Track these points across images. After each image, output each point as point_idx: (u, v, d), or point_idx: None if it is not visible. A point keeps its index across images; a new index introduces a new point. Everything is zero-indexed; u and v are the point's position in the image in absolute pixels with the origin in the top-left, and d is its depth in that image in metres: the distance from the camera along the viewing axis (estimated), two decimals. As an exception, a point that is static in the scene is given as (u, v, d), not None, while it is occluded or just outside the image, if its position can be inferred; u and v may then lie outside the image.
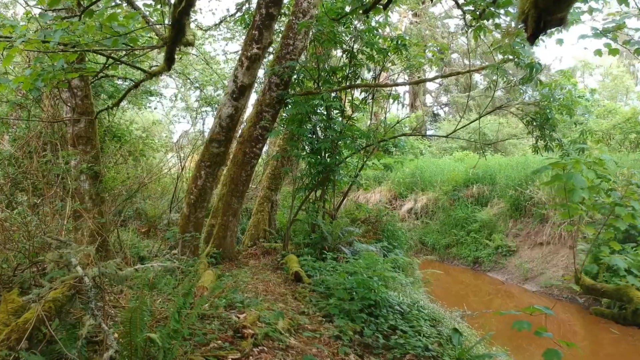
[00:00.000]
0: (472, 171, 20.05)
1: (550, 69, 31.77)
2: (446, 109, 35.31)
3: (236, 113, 8.93)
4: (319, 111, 10.30)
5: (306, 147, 10.49)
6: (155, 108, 17.73)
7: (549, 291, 14.56)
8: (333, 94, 10.24)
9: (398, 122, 11.11)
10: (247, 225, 12.54)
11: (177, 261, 8.43)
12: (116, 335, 3.89)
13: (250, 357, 4.76)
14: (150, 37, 8.96)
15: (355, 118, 10.76)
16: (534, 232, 17.03)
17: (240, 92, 8.86)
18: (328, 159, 10.12)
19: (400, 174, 21.46)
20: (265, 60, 10.58)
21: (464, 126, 10.17)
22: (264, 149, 11.87)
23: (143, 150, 13.43)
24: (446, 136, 10.49)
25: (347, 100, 10.62)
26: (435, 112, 35.60)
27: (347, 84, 10.12)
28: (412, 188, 21.74)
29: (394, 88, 10.89)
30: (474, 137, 27.65)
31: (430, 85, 35.29)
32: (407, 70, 10.80)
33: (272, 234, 12.03)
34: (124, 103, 17.10)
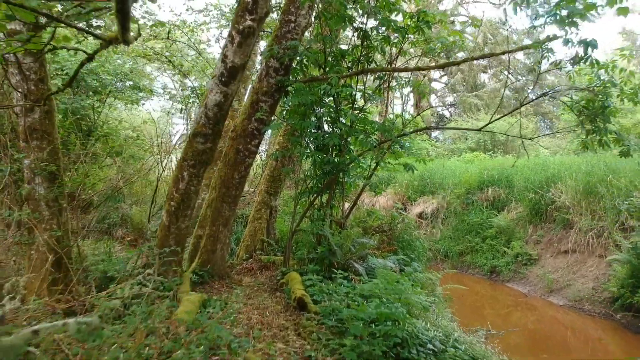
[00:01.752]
0: (487, 173, 18.29)
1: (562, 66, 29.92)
2: (452, 109, 33.49)
3: (225, 101, 7.12)
4: (325, 102, 8.55)
5: (310, 144, 8.70)
6: (143, 104, 15.91)
7: (578, 305, 12.76)
8: (342, 82, 8.46)
9: (419, 114, 9.30)
10: (242, 235, 10.72)
11: (150, 284, 6.64)
12: None
13: None
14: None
15: (367, 110, 8.95)
16: (556, 239, 15.23)
17: (230, 75, 7.04)
18: (336, 158, 8.35)
19: (409, 176, 19.62)
20: (262, 42, 8.75)
21: (498, 119, 8.33)
22: (262, 146, 10.04)
23: (117, 147, 11.57)
24: (479, 130, 8.67)
25: (358, 90, 8.82)
26: (440, 112, 33.78)
27: (359, 69, 8.33)
28: (422, 191, 19.90)
29: (410, 77, 9.10)
30: (483, 138, 26.05)
31: (435, 85, 33.51)
32: (428, 55, 8.97)
33: (270, 245, 10.22)
34: (111, 100, 15.36)
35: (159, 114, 22.83)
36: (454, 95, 31.20)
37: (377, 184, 8.82)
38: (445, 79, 31.87)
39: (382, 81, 8.79)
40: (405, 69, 8.11)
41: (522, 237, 16.07)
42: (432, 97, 33.29)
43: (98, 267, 7.00)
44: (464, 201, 18.28)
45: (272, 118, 8.38)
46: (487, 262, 16.10)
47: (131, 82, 15.06)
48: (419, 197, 19.77)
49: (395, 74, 8.82)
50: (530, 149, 25.29)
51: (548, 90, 9.07)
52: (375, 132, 8.45)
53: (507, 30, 28.50)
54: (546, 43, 7.44)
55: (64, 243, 6.83)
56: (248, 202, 13.34)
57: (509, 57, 8.89)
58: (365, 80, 8.82)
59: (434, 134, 29.69)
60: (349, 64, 8.78)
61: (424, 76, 27.75)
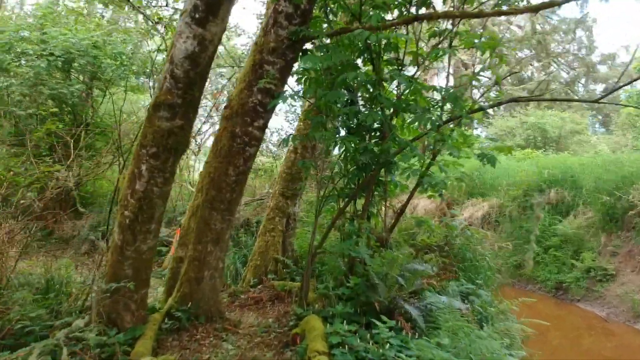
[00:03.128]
0: (547, 172, 15.07)
1: (616, 57, 26.61)
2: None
3: (202, 51, 4.30)
4: (361, 69, 5.68)
5: (339, 126, 5.80)
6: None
7: (681, 338, 9.59)
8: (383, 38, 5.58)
9: (497, 83, 6.32)
10: (251, 252, 7.87)
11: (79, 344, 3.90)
12: None
13: None
14: None
15: (419, 79, 6.00)
16: (638, 251, 12.03)
17: (208, 8, 4.21)
18: (375, 147, 5.48)
19: (453, 175, 16.40)
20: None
21: (623, 86, 5.34)
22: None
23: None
24: (595, 101, 5.66)
25: (406, 51, 5.89)
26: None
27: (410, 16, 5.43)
28: (470, 192, 16.70)
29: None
30: (533, 135, 22.80)
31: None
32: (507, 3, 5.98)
33: (287, 267, 7.33)
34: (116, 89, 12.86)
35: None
36: (500, 89, 27.70)
37: (444, 181, 5.83)
38: (489, 72, 28.37)
39: (441, 38, 5.86)
40: (480, 14, 5.19)
41: (594, 248, 12.88)
42: (474, 92, 29.86)
43: (10, 315, 4.28)
44: (521, 204, 15.10)
45: (284, 89, 5.52)
46: (551, 276, 13.02)
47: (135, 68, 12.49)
48: (467, 200, 16.61)
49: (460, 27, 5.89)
50: (588, 146, 22.05)
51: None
52: (436, 107, 5.52)
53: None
54: None
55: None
56: (265, 205, 10.51)
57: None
58: (417, 34, 5.87)
59: (476, 130, 26.39)
60: (393, 14, 5.90)
61: (467, 68, 24.55)
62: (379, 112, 5.24)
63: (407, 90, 5.49)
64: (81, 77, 11.66)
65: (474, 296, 6.56)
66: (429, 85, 5.26)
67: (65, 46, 10.48)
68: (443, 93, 5.23)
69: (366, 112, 5.32)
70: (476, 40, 5.64)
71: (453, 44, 5.88)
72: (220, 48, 13.65)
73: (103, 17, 13.15)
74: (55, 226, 10.22)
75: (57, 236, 10.69)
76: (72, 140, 7.29)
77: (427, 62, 6.03)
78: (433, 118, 4.86)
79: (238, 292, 6.85)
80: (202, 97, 4.83)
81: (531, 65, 26.52)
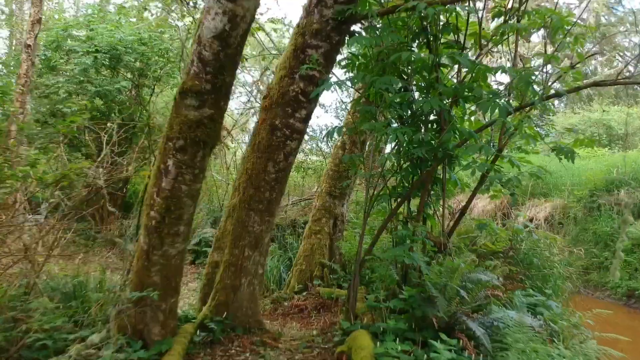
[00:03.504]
0: (617, 171, 13.88)
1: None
2: (557, 101, 28.21)
3: (233, 28, 3.73)
4: (415, 52, 4.98)
5: (390, 116, 5.11)
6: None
7: None
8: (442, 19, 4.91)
9: (574, 66, 5.53)
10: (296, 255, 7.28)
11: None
12: None
13: None
14: None
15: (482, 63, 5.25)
16: None
17: (239, -21, 3.69)
18: (432, 139, 4.80)
19: (514, 173, 15.30)
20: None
21: None
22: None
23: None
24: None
25: (467, 33, 5.17)
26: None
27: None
28: (531, 192, 15.60)
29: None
30: (597, 132, 21.34)
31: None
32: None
33: (334, 272, 6.71)
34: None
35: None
36: (560, 85, 26.06)
37: (517, 178, 5.14)
38: (548, 67, 26.67)
39: (507, 17, 5.11)
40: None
41: (670, 253, 11.76)
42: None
43: (25, 324, 3.84)
44: (587, 205, 13.96)
45: (330, 76, 4.90)
46: (622, 283, 11.90)
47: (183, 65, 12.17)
48: (527, 200, 15.51)
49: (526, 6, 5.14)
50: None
51: None
52: (503, 94, 4.79)
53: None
54: None
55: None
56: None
57: None
58: (479, 16, 5.12)
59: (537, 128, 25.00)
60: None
61: (525, 63, 23.26)
62: (437, 100, 4.54)
63: (469, 76, 4.78)
64: (129, 75, 11.43)
65: (542, 307, 5.78)
66: (495, 67, 4.53)
67: (109, 42, 10.24)
68: (512, 75, 4.48)
69: (421, 99, 4.63)
70: (549, 18, 4.92)
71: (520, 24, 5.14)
72: (268, 44, 13.18)
73: (146, 9, 12.90)
74: (99, 227, 9.94)
75: (103, 237, 10.43)
76: (106, 136, 6.92)
77: (490, 45, 5.29)
78: (501, 104, 4.11)
79: (281, 298, 6.30)
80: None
81: (594, 59, 24.89)
